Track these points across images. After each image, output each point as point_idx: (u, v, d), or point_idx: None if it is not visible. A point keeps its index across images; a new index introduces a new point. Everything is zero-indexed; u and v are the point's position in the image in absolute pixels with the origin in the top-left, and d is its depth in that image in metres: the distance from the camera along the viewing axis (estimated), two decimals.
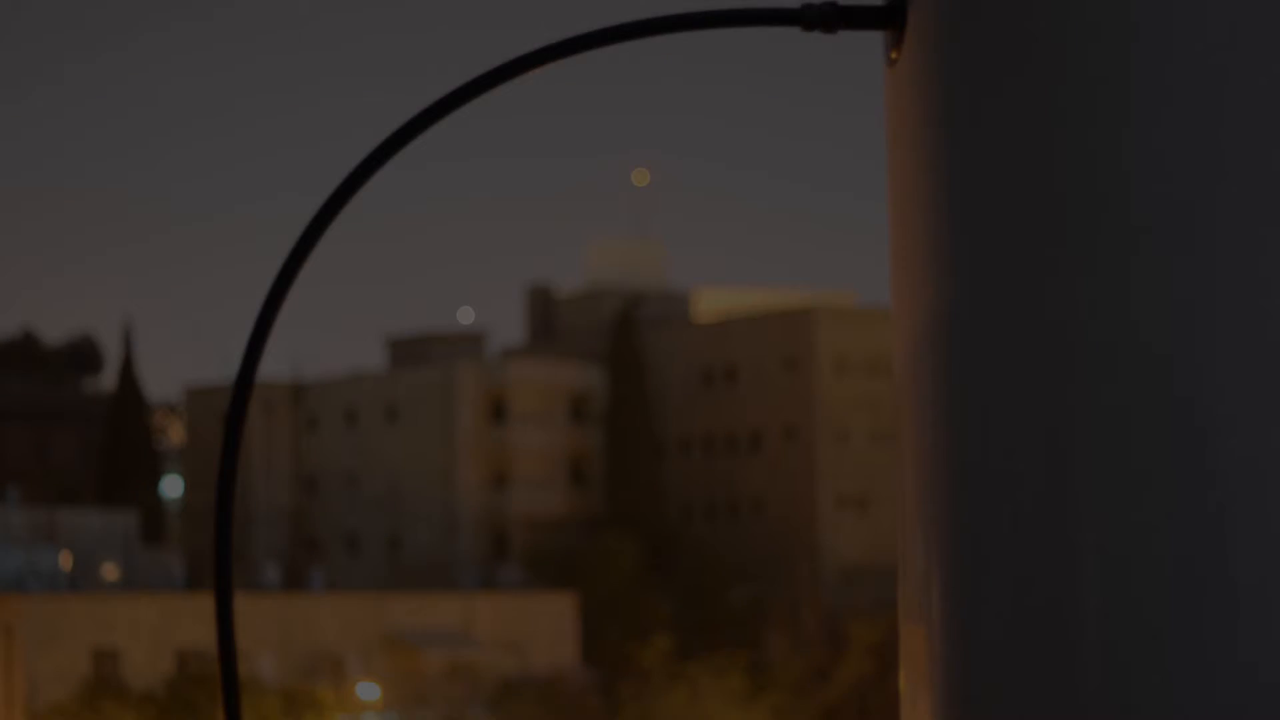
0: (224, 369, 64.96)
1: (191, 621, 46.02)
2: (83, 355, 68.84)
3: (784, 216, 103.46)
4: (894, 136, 1.29)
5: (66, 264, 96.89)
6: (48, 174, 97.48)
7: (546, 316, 68.09)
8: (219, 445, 1.35)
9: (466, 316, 79.28)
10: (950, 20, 1.23)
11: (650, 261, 68.81)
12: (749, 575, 57.93)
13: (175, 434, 69.06)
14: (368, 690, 45.22)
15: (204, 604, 45.69)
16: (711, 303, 68.73)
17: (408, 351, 66.43)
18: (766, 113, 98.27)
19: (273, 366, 64.29)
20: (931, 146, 1.24)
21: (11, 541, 51.50)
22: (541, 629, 51.03)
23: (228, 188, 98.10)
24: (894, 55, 1.28)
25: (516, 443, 63.27)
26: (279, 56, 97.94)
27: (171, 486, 64.88)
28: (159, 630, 46.25)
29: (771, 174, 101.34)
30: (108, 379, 67.14)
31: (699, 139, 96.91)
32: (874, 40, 1.32)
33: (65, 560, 51.33)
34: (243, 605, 44.99)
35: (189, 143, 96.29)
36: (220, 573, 1.32)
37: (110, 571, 53.10)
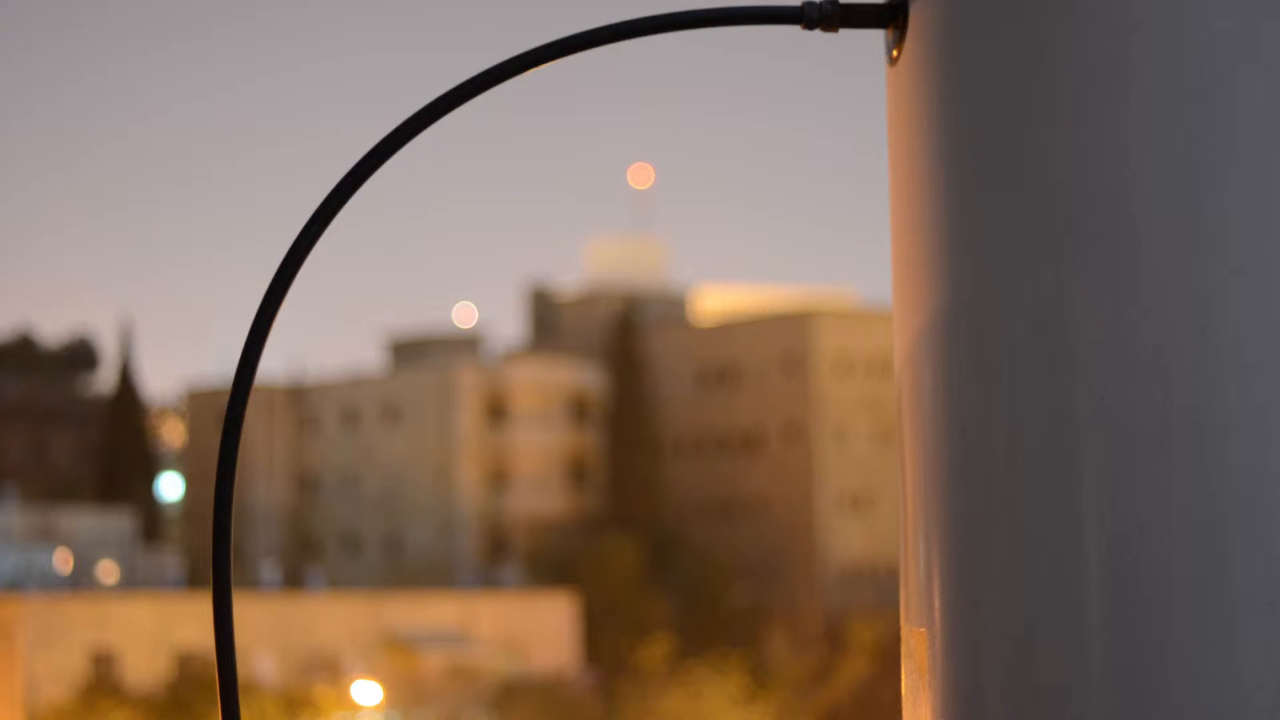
0: (223, 369, 64.96)
1: (190, 622, 46.04)
2: (80, 355, 68.85)
3: (784, 216, 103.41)
4: (895, 135, 1.28)
5: (64, 264, 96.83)
6: (45, 173, 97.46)
7: (546, 317, 68.11)
8: (218, 446, 1.35)
9: (467, 313, 79.21)
10: (951, 19, 1.22)
11: (650, 260, 68.84)
12: (749, 575, 57.96)
13: (173, 434, 69.05)
14: (367, 690, 45.23)
15: (203, 604, 45.65)
16: (711, 301, 68.78)
17: (407, 352, 66.47)
18: (767, 111, 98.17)
19: (272, 367, 64.32)
20: (932, 145, 1.23)
21: (9, 542, 51.52)
22: (541, 629, 51.04)
23: (226, 187, 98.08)
24: (895, 54, 1.28)
25: (516, 443, 63.31)
26: (275, 58, 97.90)
27: (168, 487, 64.86)
28: (158, 630, 46.26)
29: (772, 173, 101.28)
30: (105, 379, 67.15)
31: (699, 137, 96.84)
32: (875, 38, 1.32)
33: (63, 560, 51.34)
34: (241, 605, 45.00)
35: (186, 141, 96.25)
36: (219, 573, 1.31)
37: (109, 571, 53.11)
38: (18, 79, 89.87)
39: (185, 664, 45.08)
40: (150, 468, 63.33)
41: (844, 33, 1.32)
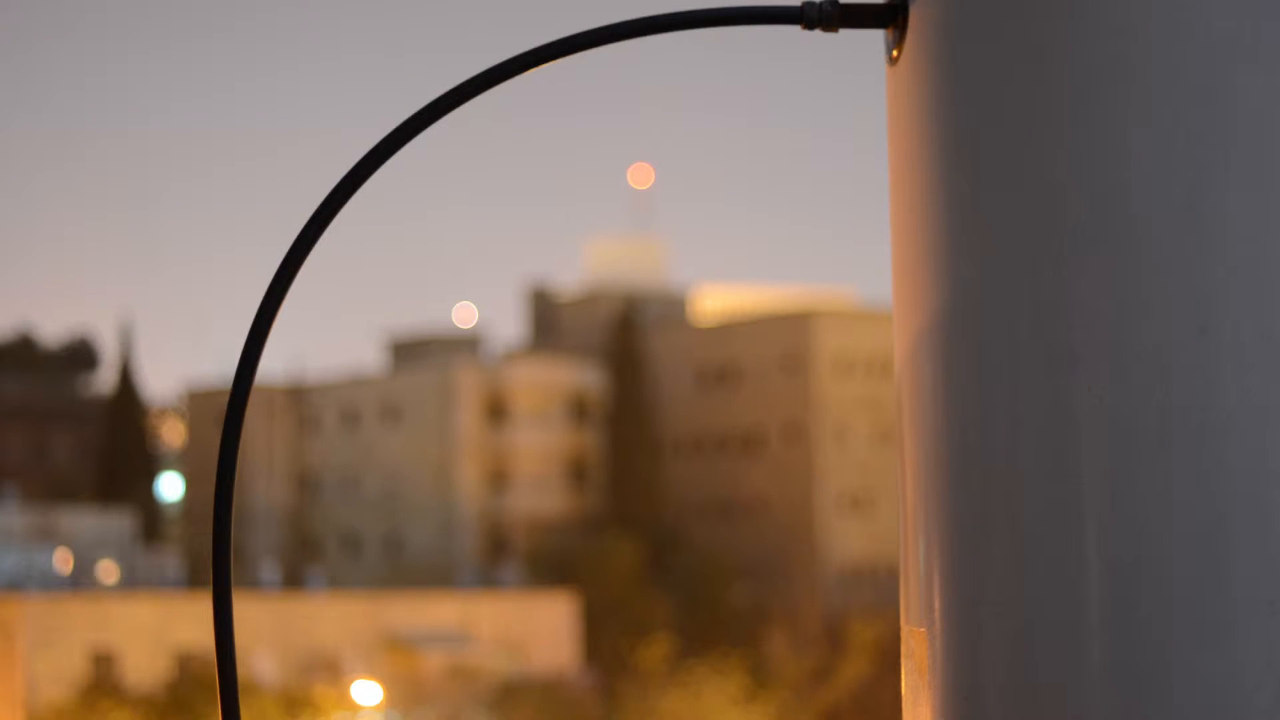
0: (223, 369, 64.91)
1: (190, 622, 46.02)
2: (80, 355, 68.77)
3: (784, 216, 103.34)
4: (895, 135, 1.28)
5: (64, 264, 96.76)
6: (45, 173, 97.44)
7: (546, 316, 68.08)
8: (218, 446, 1.35)
9: (467, 313, 79.12)
10: (951, 19, 1.22)
11: (650, 260, 68.85)
12: (749, 575, 57.95)
13: (173, 434, 68.99)
14: (367, 690, 45.20)
15: (203, 604, 45.64)
16: (711, 301, 68.79)
17: (407, 352, 66.45)
18: (767, 111, 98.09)
19: (272, 367, 64.28)
20: (932, 145, 1.23)
21: (9, 541, 51.51)
22: (541, 629, 51.01)
23: (226, 187, 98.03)
24: (895, 54, 1.27)
25: (516, 443, 63.30)
26: (275, 58, 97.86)
27: (168, 487, 64.82)
28: (158, 630, 46.22)
29: (772, 173, 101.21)
30: (105, 379, 67.06)
31: (699, 137, 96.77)
32: (875, 38, 1.32)
33: (63, 560, 51.33)
34: (241, 605, 44.96)
35: (186, 142, 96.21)
36: (219, 573, 1.31)
37: (109, 571, 53.09)
38: (18, 79, 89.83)
39: (185, 664, 45.04)
40: (150, 468, 63.29)
41: (844, 33, 1.31)
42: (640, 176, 75.99)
